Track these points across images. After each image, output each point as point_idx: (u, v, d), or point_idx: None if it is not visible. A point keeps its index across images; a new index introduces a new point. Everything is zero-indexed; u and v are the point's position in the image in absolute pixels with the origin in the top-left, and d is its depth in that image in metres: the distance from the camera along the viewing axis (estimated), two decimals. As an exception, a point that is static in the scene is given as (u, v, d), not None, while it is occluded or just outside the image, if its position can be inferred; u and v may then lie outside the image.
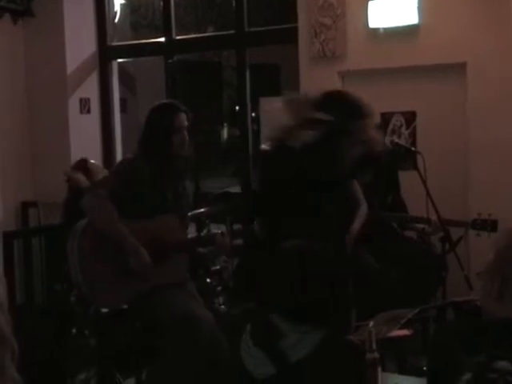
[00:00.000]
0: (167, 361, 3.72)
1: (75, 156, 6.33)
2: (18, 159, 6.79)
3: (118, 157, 6.98)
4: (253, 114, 6.89)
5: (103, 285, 3.77)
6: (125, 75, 10.26)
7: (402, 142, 5.41)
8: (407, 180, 5.00)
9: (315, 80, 5.73)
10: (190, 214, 4.35)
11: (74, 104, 6.79)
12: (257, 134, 6.92)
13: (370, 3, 5.54)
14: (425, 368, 3.23)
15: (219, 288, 5.03)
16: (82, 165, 5.27)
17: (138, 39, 8.70)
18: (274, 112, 6.50)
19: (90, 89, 6.93)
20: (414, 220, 4.97)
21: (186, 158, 4.00)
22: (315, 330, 2.42)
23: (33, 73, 6.84)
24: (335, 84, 5.74)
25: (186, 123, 3.97)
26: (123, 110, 7.61)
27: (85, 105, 6.85)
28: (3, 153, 6.63)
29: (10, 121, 6.73)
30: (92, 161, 5.30)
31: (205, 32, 10.93)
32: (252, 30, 6.39)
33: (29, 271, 6.25)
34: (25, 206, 6.79)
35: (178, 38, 6.73)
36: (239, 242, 5.27)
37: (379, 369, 2.41)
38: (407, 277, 4.75)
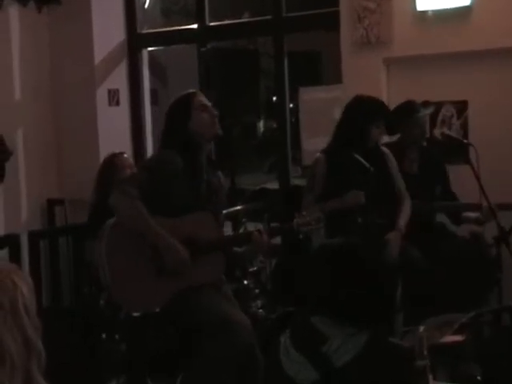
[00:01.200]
0: (202, 367, 3.73)
1: (103, 150, 6.36)
2: (43, 154, 6.85)
3: (149, 151, 7.01)
4: (291, 105, 6.87)
5: (134, 287, 3.79)
6: (155, 65, 10.32)
7: (453, 133, 5.37)
8: (460, 173, 4.95)
9: (358, 68, 5.69)
10: (225, 211, 4.35)
11: (102, 95, 6.82)
12: (295, 126, 6.90)
13: (417, -16, 5.49)
14: (478, 377, 3.20)
15: (257, 290, 5.02)
16: (110, 160, 5.31)
17: (170, 26, 8.73)
18: (313, 102, 6.48)
19: (119, 79, 6.97)
20: (465, 207, 4.94)
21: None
22: (359, 333, 2.41)
23: (58, 63, 6.89)
24: (380, 72, 5.69)
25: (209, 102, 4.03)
26: (154, 101, 7.64)
27: (113, 96, 6.88)
28: (28, 147, 6.70)
29: (35, 114, 6.79)
30: (125, 155, 5.34)
31: (240, 18, 10.94)
32: (290, 15, 6.36)
33: (56, 273, 6.30)
34: (51, 204, 6.85)
35: (211, 24, 6.73)
36: (277, 240, 5.28)
37: (430, 377, 2.39)
38: (458, 277, 4.72)
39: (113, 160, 5.28)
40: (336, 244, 2.63)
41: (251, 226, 4.86)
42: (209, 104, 4.03)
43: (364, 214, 4.49)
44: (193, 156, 3.94)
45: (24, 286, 1.85)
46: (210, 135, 4.02)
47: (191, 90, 4.15)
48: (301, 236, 4.00)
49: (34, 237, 6.18)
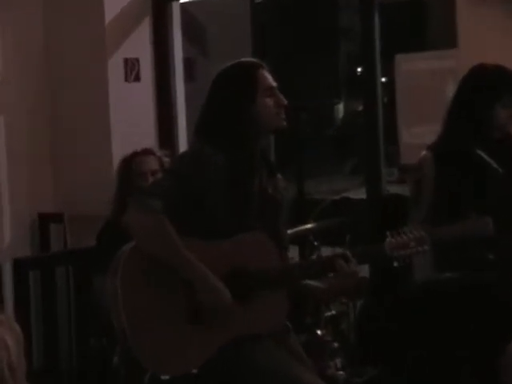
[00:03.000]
0: None
1: (117, 146, 6.41)
2: (33, 153, 6.91)
3: (182, 145, 7.03)
4: (384, 79, 6.86)
5: (161, 338, 3.80)
6: (191, 25, 10.37)
7: None
8: None
9: (480, 25, 5.65)
10: (290, 231, 4.35)
11: (115, 68, 6.87)
12: (390, 109, 6.89)
13: None
14: None
15: (336, 344, 5.02)
16: (130, 160, 5.39)
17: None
18: (416, 75, 6.45)
19: (140, 45, 7.01)
20: None
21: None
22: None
23: (55, 24, 6.96)
24: (510, 29, 5.65)
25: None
26: (189, 76, 7.68)
27: (132, 69, 6.93)
28: (13, 144, 6.76)
29: (22, 96, 6.85)
30: (158, 153, 5.40)
31: (310, -44, 10.96)
32: (382, -50, 6.37)
33: (51, 317, 6.35)
34: (44, 221, 6.91)
35: (269, -35, 6.76)
36: (365, 272, 5.26)
37: None
38: None
39: (132, 161, 5.34)
40: (453, 281, 2.61)
41: (327, 252, 4.85)
42: (276, 86, 4.01)
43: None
44: (243, 154, 3.94)
45: (9, 336, 1.85)
46: (271, 128, 4.03)
47: (254, 61, 4.13)
48: (396, 264, 3.94)
49: (21, 266, 6.24)
